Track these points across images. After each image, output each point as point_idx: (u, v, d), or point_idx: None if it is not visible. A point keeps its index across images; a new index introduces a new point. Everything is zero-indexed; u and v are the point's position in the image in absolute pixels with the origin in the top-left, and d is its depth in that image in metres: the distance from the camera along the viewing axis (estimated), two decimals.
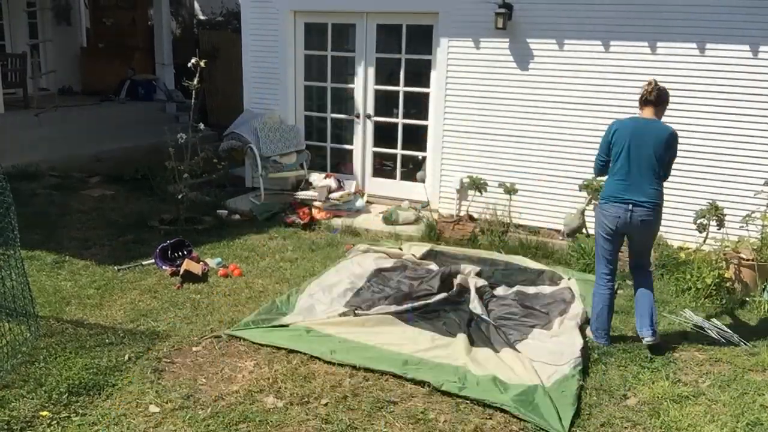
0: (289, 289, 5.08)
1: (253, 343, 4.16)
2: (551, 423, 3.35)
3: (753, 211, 5.52)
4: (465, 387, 3.65)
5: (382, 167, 7.83)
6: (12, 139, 8.52)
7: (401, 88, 7.36)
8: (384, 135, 7.64)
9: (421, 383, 3.72)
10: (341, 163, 8.05)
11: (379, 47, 7.38)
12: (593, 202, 6.34)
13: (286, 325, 4.37)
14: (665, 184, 6.19)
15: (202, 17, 14.24)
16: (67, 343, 4.05)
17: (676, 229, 6.08)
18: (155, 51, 12.24)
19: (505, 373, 3.80)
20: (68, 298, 4.77)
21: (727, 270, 5.22)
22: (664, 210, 6.19)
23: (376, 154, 7.76)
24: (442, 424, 3.39)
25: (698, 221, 5.66)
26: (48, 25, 12.16)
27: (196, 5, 14.67)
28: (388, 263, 5.61)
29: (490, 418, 3.45)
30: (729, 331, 4.60)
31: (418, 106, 7.36)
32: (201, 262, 5.45)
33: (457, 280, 5.12)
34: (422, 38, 7.10)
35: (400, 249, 5.99)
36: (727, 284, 5.20)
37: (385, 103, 7.57)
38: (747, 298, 5.14)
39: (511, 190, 6.61)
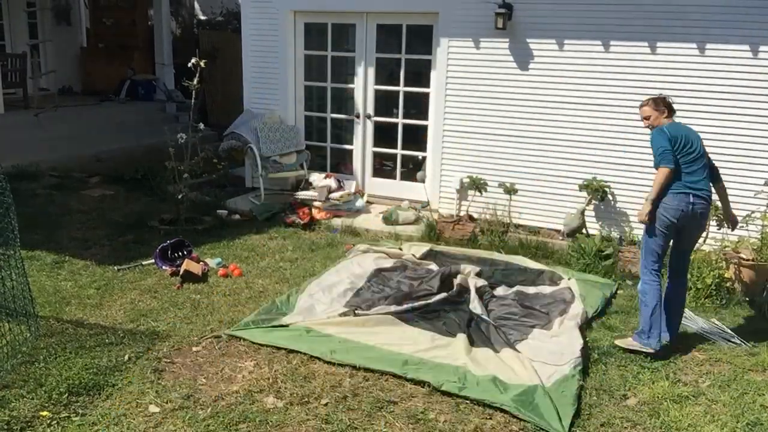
0: (289, 289, 5.08)
1: (253, 343, 4.16)
2: (551, 423, 3.35)
3: (753, 211, 5.52)
4: (465, 387, 3.65)
5: (382, 167, 7.83)
6: (12, 139, 8.51)
7: (401, 88, 7.36)
8: (384, 135, 7.64)
9: (421, 383, 3.72)
10: (341, 163, 8.05)
11: (379, 47, 7.38)
12: (593, 202, 6.34)
13: (286, 325, 4.37)
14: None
15: (202, 17, 14.24)
16: (67, 343, 4.05)
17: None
18: (155, 51, 12.23)
19: (505, 373, 3.81)
20: (68, 298, 4.77)
21: (727, 270, 5.22)
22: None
23: (376, 154, 7.76)
24: (442, 424, 3.39)
25: None
26: (48, 25, 12.16)
27: (196, 5, 14.67)
28: (388, 263, 5.62)
29: (490, 418, 3.45)
30: (729, 331, 4.60)
31: (418, 106, 7.35)
32: (201, 262, 5.45)
33: (457, 280, 5.12)
34: (422, 38, 7.10)
35: (400, 249, 5.99)
36: (727, 284, 5.20)
37: (385, 103, 7.57)
38: (747, 298, 5.14)
39: (511, 190, 6.61)
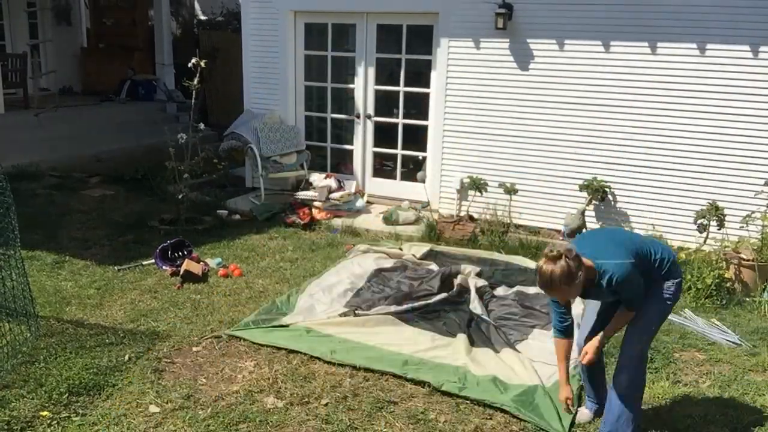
0: (289, 289, 5.08)
1: (253, 343, 4.16)
2: (551, 423, 3.35)
3: (753, 212, 5.52)
4: (465, 387, 3.65)
5: (383, 167, 7.83)
6: (12, 139, 8.51)
7: (401, 89, 7.36)
8: (384, 135, 7.64)
9: (421, 383, 3.72)
10: (341, 163, 8.04)
11: (379, 47, 7.38)
12: (593, 202, 6.34)
13: (287, 326, 4.37)
14: (667, 183, 6.25)
15: (202, 17, 14.24)
16: (67, 343, 4.06)
17: (677, 230, 6.08)
18: (155, 51, 12.23)
19: (505, 373, 3.81)
20: (68, 298, 4.77)
21: (727, 270, 5.22)
22: (665, 210, 6.26)
23: (376, 154, 7.76)
24: (442, 424, 3.39)
25: (698, 221, 5.66)
26: (48, 25, 12.17)
27: (196, 5, 14.67)
28: (389, 263, 5.62)
29: (490, 419, 3.45)
30: (729, 331, 4.60)
31: (418, 106, 7.35)
32: (201, 262, 5.45)
33: (457, 281, 5.12)
34: (422, 38, 7.10)
35: (401, 249, 5.99)
36: (728, 284, 5.20)
37: (385, 103, 7.57)
38: (747, 298, 5.14)
39: (511, 190, 6.60)
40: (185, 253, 5.59)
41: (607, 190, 6.27)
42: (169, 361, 3.93)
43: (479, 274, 5.29)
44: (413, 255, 5.81)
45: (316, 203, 7.05)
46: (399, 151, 7.55)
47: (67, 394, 3.48)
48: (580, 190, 6.32)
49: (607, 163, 6.31)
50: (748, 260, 5.22)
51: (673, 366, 4.10)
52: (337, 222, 6.88)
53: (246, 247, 6.09)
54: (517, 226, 6.66)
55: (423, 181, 7.19)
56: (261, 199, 7.42)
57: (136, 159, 9.06)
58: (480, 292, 4.93)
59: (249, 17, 7.81)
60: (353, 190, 7.35)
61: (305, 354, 4.01)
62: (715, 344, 4.43)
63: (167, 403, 3.47)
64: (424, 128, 7.29)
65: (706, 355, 4.27)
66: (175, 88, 12.00)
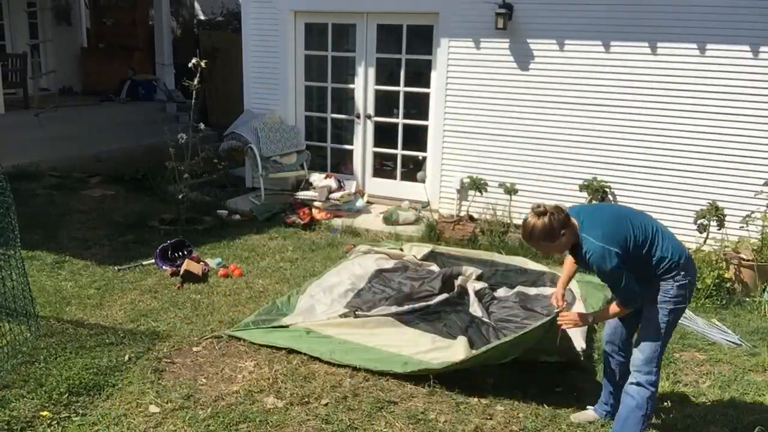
0: (289, 289, 5.08)
1: (253, 343, 4.16)
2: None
3: (753, 212, 5.52)
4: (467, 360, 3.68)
5: (383, 167, 7.83)
6: (12, 139, 8.51)
7: (401, 89, 7.36)
8: (384, 135, 7.64)
9: (421, 384, 3.72)
10: (341, 164, 8.04)
11: (380, 47, 7.38)
12: (593, 202, 6.34)
13: (287, 326, 4.37)
14: (667, 183, 6.25)
15: (202, 17, 14.23)
16: (67, 343, 4.06)
17: (677, 230, 6.04)
18: (155, 51, 12.23)
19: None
20: (68, 298, 4.77)
21: (727, 270, 5.22)
22: (665, 210, 6.25)
23: (376, 155, 7.76)
24: (442, 424, 3.39)
25: (698, 221, 5.66)
26: (48, 25, 12.17)
27: (197, 5, 14.67)
28: (389, 264, 5.61)
29: (490, 419, 3.45)
30: (729, 331, 4.60)
31: (418, 106, 7.35)
32: (201, 262, 5.45)
33: (458, 282, 5.11)
34: (422, 38, 7.10)
35: (401, 250, 5.99)
36: (727, 284, 5.20)
37: (385, 103, 7.57)
38: (747, 298, 5.14)
39: (511, 190, 6.60)
40: (185, 253, 5.59)
41: (607, 190, 6.27)
42: (169, 361, 3.93)
43: (480, 276, 5.27)
44: (414, 256, 5.81)
45: (316, 203, 7.05)
46: (399, 151, 7.55)
47: (67, 394, 3.48)
48: (580, 190, 6.32)
49: (606, 163, 6.31)
50: (748, 260, 5.22)
51: (673, 366, 4.10)
52: (337, 222, 6.88)
53: (246, 247, 6.09)
54: (517, 226, 6.65)
55: (423, 181, 7.19)
56: (261, 199, 7.42)
57: (136, 159, 9.06)
58: (480, 294, 4.91)
59: (249, 17, 7.81)
60: (353, 190, 7.35)
61: (305, 354, 4.01)
62: (715, 344, 4.43)
63: (167, 403, 3.47)
64: (424, 128, 7.29)
65: (706, 355, 4.27)
66: (175, 88, 12.00)
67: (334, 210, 7.06)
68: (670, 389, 3.78)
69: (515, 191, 6.61)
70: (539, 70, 6.45)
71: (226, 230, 6.57)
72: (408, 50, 7.22)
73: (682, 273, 3.02)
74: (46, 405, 3.39)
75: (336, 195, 7.12)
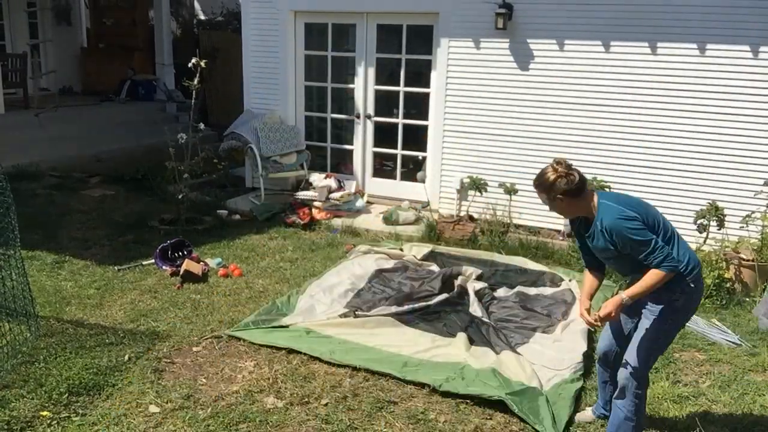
0: (289, 289, 5.08)
1: (253, 343, 4.16)
2: (545, 424, 3.34)
3: (753, 212, 5.52)
4: (463, 379, 3.66)
5: (383, 167, 7.83)
6: (12, 139, 8.51)
7: (401, 89, 7.36)
8: (384, 135, 7.64)
9: (422, 384, 3.72)
10: (341, 163, 8.04)
11: (379, 47, 7.37)
12: None
13: (286, 326, 4.37)
14: (666, 183, 6.25)
15: (202, 17, 14.24)
16: (67, 343, 4.06)
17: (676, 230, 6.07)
18: (155, 51, 12.24)
19: (504, 369, 3.80)
20: (68, 298, 4.77)
21: (727, 270, 5.22)
22: (665, 210, 6.22)
23: (376, 154, 7.76)
24: (442, 424, 3.39)
25: (698, 221, 5.65)
26: (48, 25, 12.17)
27: (196, 5, 14.67)
28: (389, 264, 5.61)
29: (490, 419, 3.45)
30: (729, 331, 4.60)
31: (418, 106, 7.35)
32: (201, 262, 5.45)
33: (458, 282, 5.11)
34: (422, 38, 7.10)
35: (401, 250, 5.99)
36: (728, 284, 5.20)
37: (385, 103, 7.57)
38: (747, 298, 5.14)
39: (511, 190, 6.60)
40: (185, 253, 5.59)
41: (607, 189, 6.27)
42: (169, 361, 3.93)
43: (480, 276, 5.27)
44: (414, 256, 5.81)
45: (316, 203, 7.05)
46: (399, 151, 7.55)
47: (67, 394, 3.48)
48: None
49: (606, 163, 6.31)
50: (748, 260, 5.22)
51: (673, 366, 4.10)
52: (337, 222, 6.88)
53: (246, 247, 6.09)
54: (517, 226, 6.66)
55: (423, 181, 7.19)
56: (261, 199, 7.42)
57: (136, 159, 9.06)
58: (479, 294, 4.92)
59: (249, 17, 7.81)
60: (353, 190, 7.35)
61: (305, 354, 4.01)
62: (715, 344, 4.43)
63: (167, 403, 3.47)
64: (424, 128, 7.29)
65: (706, 355, 4.27)
66: (175, 88, 12.01)
67: (334, 210, 7.06)
68: (670, 389, 3.78)
69: (515, 191, 6.61)
70: (539, 70, 6.45)
71: (226, 230, 6.57)
72: (408, 50, 7.22)
73: (693, 284, 2.88)
74: (46, 405, 3.39)
75: (336, 195, 7.12)
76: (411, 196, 7.38)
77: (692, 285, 2.88)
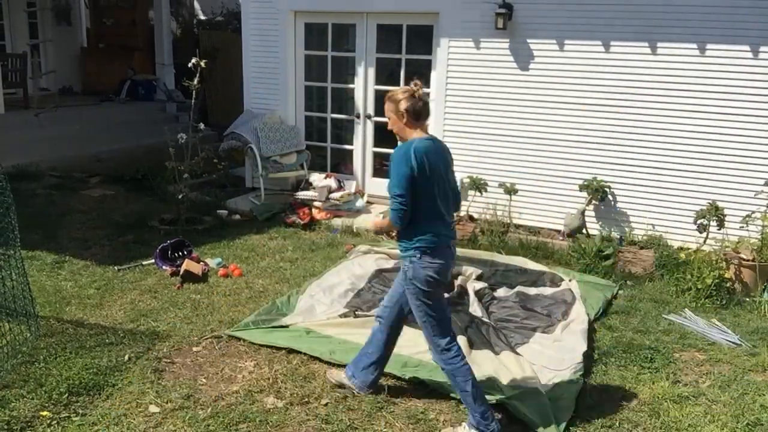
0: (289, 289, 5.08)
1: (253, 343, 4.16)
2: (545, 426, 3.34)
3: (753, 212, 5.52)
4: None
5: (383, 167, 7.82)
6: (12, 139, 8.51)
7: None
8: (384, 135, 7.60)
9: (421, 384, 3.72)
10: (341, 163, 8.04)
11: (379, 47, 7.37)
12: (593, 202, 6.34)
13: (286, 326, 4.37)
14: (667, 183, 6.24)
15: (202, 17, 14.24)
16: (67, 343, 4.06)
17: (676, 230, 6.09)
18: (155, 51, 12.24)
19: (504, 374, 3.80)
20: (68, 298, 4.77)
21: (727, 270, 5.22)
22: (665, 210, 6.24)
23: (376, 155, 7.76)
24: (442, 424, 3.39)
25: (698, 221, 5.66)
26: (48, 25, 12.17)
27: (196, 5, 14.67)
28: (389, 264, 5.61)
29: None
30: (729, 331, 4.60)
31: None
32: (201, 262, 5.45)
33: (458, 282, 5.11)
34: (422, 38, 7.10)
35: None
36: (728, 284, 5.20)
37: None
38: (747, 298, 5.14)
39: (511, 190, 6.60)
40: (185, 253, 5.58)
41: (607, 190, 6.27)
42: (169, 361, 3.93)
43: (480, 276, 5.27)
44: None
45: (316, 203, 7.05)
46: None
47: (67, 394, 3.48)
48: (580, 190, 6.32)
49: (607, 163, 6.31)
50: (748, 260, 5.22)
51: (673, 366, 4.10)
52: (337, 222, 6.88)
53: (246, 247, 6.09)
54: (517, 226, 6.66)
55: None
56: (261, 199, 7.42)
57: (136, 159, 9.06)
58: (479, 294, 4.92)
59: (249, 17, 7.81)
60: (353, 190, 7.35)
61: (305, 354, 4.01)
62: (715, 344, 4.43)
63: (167, 403, 3.47)
64: None
65: (706, 355, 4.27)
66: (175, 88, 12.01)
67: (334, 210, 7.06)
68: (670, 389, 3.78)
69: (515, 191, 6.61)
70: (539, 70, 6.45)
71: (226, 230, 6.57)
72: (408, 50, 7.22)
73: (419, 258, 3.16)
74: (46, 405, 3.39)
75: (336, 195, 7.12)
76: None
77: (418, 258, 3.16)
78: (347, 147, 7.89)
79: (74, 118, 9.91)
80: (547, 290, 5.19)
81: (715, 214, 5.59)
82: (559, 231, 6.50)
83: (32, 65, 11.19)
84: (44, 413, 3.31)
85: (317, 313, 4.61)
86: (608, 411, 3.57)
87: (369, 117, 7.62)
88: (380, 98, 7.52)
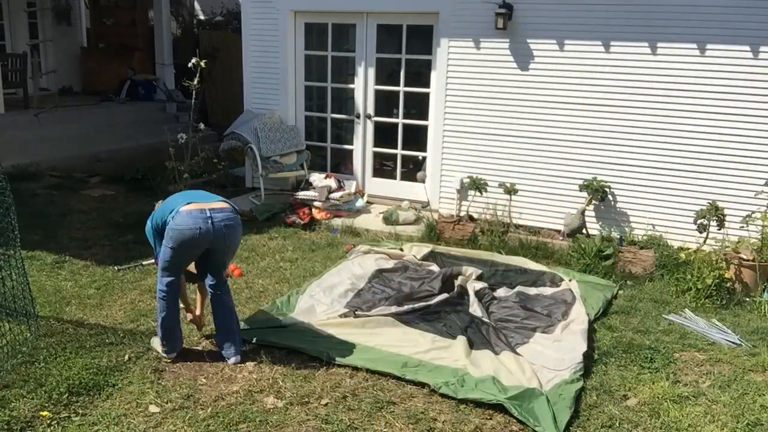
0: (289, 289, 5.08)
1: (253, 343, 4.16)
2: (546, 426, 3.34)
3: (753, 212, 5.52)
4: (463, 387, 3.64)
5: (383, 167, 7.83)
6: (12, 139, 8.52)
7: (401, 89, 7.36)
8: (384, 135, 7.64)
9: (422, 384, 3.72)
10: (341, 163, 8.05)
11: (379, 47, 7.38)
12: (593, 202, 6.35)
13: (286, 326, 4.37)
14: (667, 183, 6.25)
15: (202, 17, 14.25)
16: (67, 343, 4.06)
17: (677, 230, 6.09)
18: (155, 51, 12.24)
19: (503, 374, 3.80)
20: (68, 298, 4.77)
21: (727, 270, 5.22)
22: (665, 210, 6.25)
23: (376, 154, 7.76)
24: (442, 424, 3.39)
25: (698, 221, 5.66)
26: (48, 25, 12.17)
27: (196, 5, 14.68)
28: (389, 264, 5.61)
29: (490, 419, 3.45)
30: (729, 331, 4.60)
31: (418, 106, 7.36)
32: None
33: (458, 282, 5.11)
34: (422, 38, 7.10)
35: (401, 250, 5.99)
36: (728, 284, 5.20)
37: (385, 103, 7.57)
38: (747, 298, 5.14)
39: (511, 190, 6.60)
40: None
41: (607, 190, 6.27)
42: (169, 361, 3.93)
43: (480, 276, 5.27)
44: (414, 256, 5.81)
45: (316, 203, 7.05)
46: (399, 151, 7.55)
47: (67, 394, 3.48)
48: (580, 190, 6.32)
49: (607, 163, 6.31)
50: (748, 260, 5.22)
51: (673, 366, 4.10)
52: (337, 222, 6.88)
53: (246, 247, 6.09)
54: (517, 226, 6.66)
55: (423, 181, 7.19)
56: (261, 199, 7.42)
57: (136, 159, 9.06)
58: (479, 294, 4.91)
59: (249, 17, 7.82)
60: (353, 190, 7.35)
61: (305, 354, 4.01)
62: (715, 344, 4.43)
63: (167, 403, 3.48)
64: (424, 128, 7.29)
65: (706, 355, 4.27)
66: (175, 88, 12.01)
67: (334, 210, 7.06)
68: (670, 389, 3.78)
69: (515, 191, 6.61)
70: (539, 70, 6.46)
71: None
72: (408, 50, 7.22)
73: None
74: (46, 405, 3.39)
75: (336, 195, 7.13)
76: (411, 196, 7.38)
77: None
78: (347, 147, 7.89)
79: (74, 118, 9.92)
80: (547, 290, 5.20)
81: (715, 214, 5.59)
82: (559, 231, 6.50)
83: (32, 65, 11.18)
84: (44, 413, 3.31)
85: (317, 313, 4.61)
86: (608, 411, 3.57)
87: (369, 117, 7.62)
88: (380, 98, 7.55)
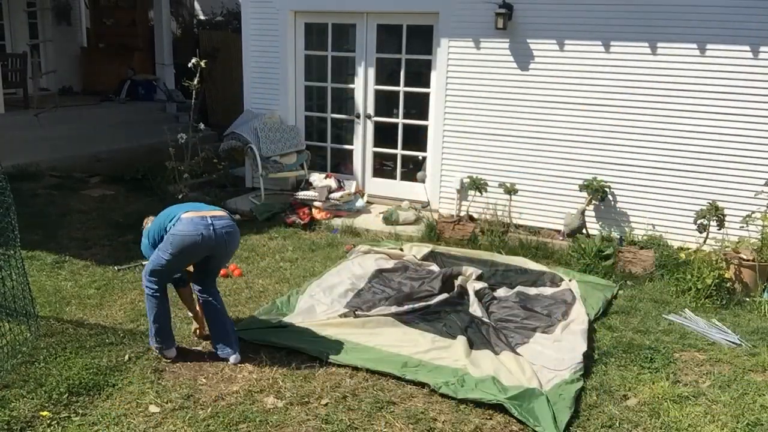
0: (289, 289, 5.08)
1: (253, 343, 4.16)
2: (546, 426, 3.34)
3: (753, 212, 5.52)
4: (463, 387, 3.64)
5: (383, 167, 7.83)
6: (12, 139, 8.52)
7: (401, 89, 7.36)
8: (384, 135, 7.64)
9: (422, 384, 3.72)
10: (341, 163, 8.05)
11: (379, 47, 7.38)
12: (593, 202, 6.35)
13: (286, 326, 4.37)
14: (667, 183, 6.25)
15: (202, 17, 14.25)
16: (67, 343, 4.06)
17: (677, 230, 6.09)
18: (155, 51, 12.24)
19: (503, 374, 3.80)
20: (68, 298, 4.77)
21: (727, 270, 5.22)
22: (665, 210, 6.25)
23: (376, 154, 7.76)
24: (442, 424, 3.39)
25: (698, 221, 5.66)
26: (48, 25, 12.17)
27: (196, 5, 14.68)
28: (389, 264, 5.61)
29: (490, 419, 3.45)
30: (729, 331, 4.60)
31: (418, 106, 7.36)
32: None
33: (458, 282, 5.11)
34: (422, 38, 7.10)
35: (401, 250, 5.99)
36: (728, 284, 5.20)
37: (385, 103, 7.57)
38: (747, 298, 5.14)
39: (511, 190, 6.60)
40: None
41: (607, 190, 6.27)
42: (169, 361, 3.93)
43: (480, 276, 5.27)
44: (414, 256, 5.81)
45: (316, 203, 7.05)
46: (399, 151, 7.56)
47: (67, 394, 3.48)
48: (580, 190, 6.32)
49: (607, 163, 6.31)
50: (748, 260, 5.22)
51: (673, 366, 4.10)
52: (337, 222, 6.88)
53: (246, 247, 6.09)
54: (517, 226, 6.66)
55: (423, 181, 7.19)
56: (261, 199, 7.42)
57: (136, 159, 9.06)
58: (479, 294, 4.91)
59: (249, 17, 7.81)
60: (353, 190, 7.35)
61: (305, 354, 4.01)
62: (715, 344, 4.43)
63: (167, 403, 3.48)
64: (424, 128, 7.29)
65: (706, 355, 4.27)
66: (175, 88, 12.01)
67: (334, 210, 7.06)
68: (670, 389, 3.78)
69: (515, 191, 6.61)
70: (539, 70, 6.45)
71: None
72: (408, 50, 7.22)
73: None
74: (46, 405, 3.39)
75: (336, 195, 7.13)
76: (411, 196, 7.38)
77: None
78: (347, 147, 7.89)
79: (74, 118, 9.91)
80: (547, 290, 5.20)
81: (715, 214, 5.59)
82: (559, 231, 6.50)
83: (32, 65, 11.18)
84: (44, 413, 3.31)
85: (317, 313, 4.61)
86: (608, 411, 3.57)
87: (369, 117, 7.62)
88: (380, 98, 7.55)
